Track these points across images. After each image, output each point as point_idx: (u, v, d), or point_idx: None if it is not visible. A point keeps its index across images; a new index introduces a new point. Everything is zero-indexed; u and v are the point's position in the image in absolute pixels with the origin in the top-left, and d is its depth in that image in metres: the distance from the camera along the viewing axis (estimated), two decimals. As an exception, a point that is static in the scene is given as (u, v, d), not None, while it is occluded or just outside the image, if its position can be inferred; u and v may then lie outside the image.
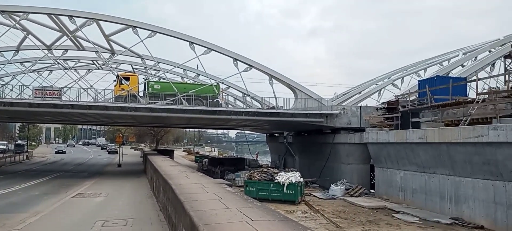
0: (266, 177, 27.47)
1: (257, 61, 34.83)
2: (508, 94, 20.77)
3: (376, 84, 43.29)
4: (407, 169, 25.86)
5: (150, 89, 35.75)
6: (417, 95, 28.64)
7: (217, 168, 42.32)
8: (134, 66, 47.28)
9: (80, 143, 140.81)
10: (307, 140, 42.78)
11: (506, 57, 34.81)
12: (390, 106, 30.06)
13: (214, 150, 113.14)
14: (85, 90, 32.79)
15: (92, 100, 31.66)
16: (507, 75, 28.27)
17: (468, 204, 20.70)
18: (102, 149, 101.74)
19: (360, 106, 35.31)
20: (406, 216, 21.79)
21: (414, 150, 24.63)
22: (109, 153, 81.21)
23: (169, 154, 53.97)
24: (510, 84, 23.56)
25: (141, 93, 35.71)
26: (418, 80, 32.95)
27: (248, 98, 39.52)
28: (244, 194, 25.46)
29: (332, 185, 30.57)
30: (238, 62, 33.75)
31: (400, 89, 39.60)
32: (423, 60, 45.57)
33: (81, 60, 46.73)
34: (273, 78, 34.29)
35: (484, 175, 19.75)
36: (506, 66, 34.35)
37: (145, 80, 39.08)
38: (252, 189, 26.69)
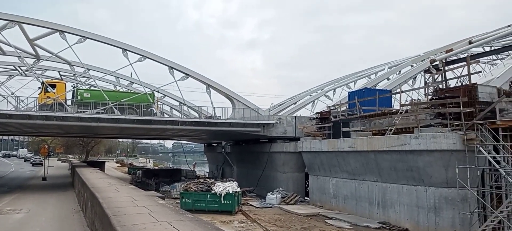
0: (202, 188, 27.06)
1: (194, 70, 34.41)
2: (427, 106, 22.54)
3: (310, 95, 44.89)
4: (339, 176, 26.96)
5: (79, 97, 33.74)
6: (348, 106, 30.08)
7: (151, 179, 40.91)
8: (62, 73, 44.36)
9: (0, 155, 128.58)
10: (245, 149, 42.99)
11: (425, 71, 37.86)
12: (323, 117, 31.24)
13: (149, 161, 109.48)
14: (5, 97, 30.02)
15: (13, 108, 29.09)
16: (426, 88, 30.80)
17: (394, 209, 22.04)
18: (25, 160, 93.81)
19: (295, 116, 36.30)
20: (338, 222, 22.64)
21: (345, 158, 25.76)
22: (33, 165, 75.14)
23: (100, 165, 51.19)
24: (429, 97, 25.62)
25: (69, 102, 33.55)
26: (348, 92, 34.68)
27: (185, 108, 38.83)
28: (180, 206, 24.86)
29: (268, 194, 30.93)
30: (174, 70, 33.09)
31: (332, 100, 41.41)
32: (353, 73, 48.17)
33: (1, 66, 42.84)
34: (210, 87, 34.07)
35: (408, 180, 21.19)
36: (426, 80, 37.37)
37: (74, 88, 36.80)
38: (188, 200, 26.12)
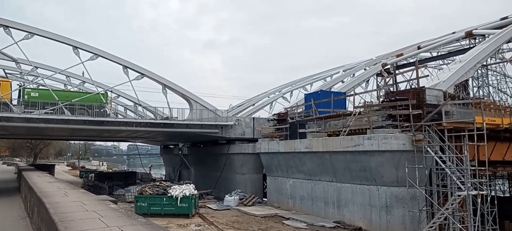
0: (158, 191, 26.44)
1: (150, 70, 33.58)
2: (379, 108, 23.40)
3: (268, 97, 45.26)
4: (295, 177, 27.35)
5: (26, 97, 31.83)
6: (304, 108, 30.61)
7: (105, 183, 39.42)
8: (7, 71, 41.67)
9: None
10: (203, 151, 42.53)
11: (378, 75, 39.42)
12: (280, 118, 31.57)
13: (103, 163, 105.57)
14: None
15: (-51, 108, 26.93)
16: (378, 91, 32.00)
17: (349, 208, 22.67)
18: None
19: (254, 118, 36.45)
20: (295, 222, 22.94)
21: (301, 158, 26.17)
22: (-27, 169, 69.99)
23: (49, 169, 48.57)
24: (381, 99, 26.62)
25: (15, 102, 31.55)
26: (305, 94, 35.34)
27: (140, 108, 37.81)
28: (134, 211, 24.12)
29: (226, 196, 30.79)
30: (129, 70, 32.10)
31: (289, 102, 42.00)
32: (309, 75, 49.15)
33: None
34: (167, 88, 33.38)
35: (361, 180, 21.88)
36: (378, 83, 38.90)
37: (20, 87, 34.70)
38: (143, 204, 25.42)
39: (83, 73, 41.54)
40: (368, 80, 40.47)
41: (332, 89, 36.88)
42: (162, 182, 36.30)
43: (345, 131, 23.19)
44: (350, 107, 29.99)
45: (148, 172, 58.52)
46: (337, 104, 28.28)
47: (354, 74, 42.52)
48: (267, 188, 31.88)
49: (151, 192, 26.26)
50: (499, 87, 42.62)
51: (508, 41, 30.84)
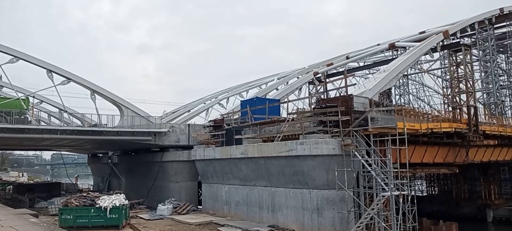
0: (86, 202, 24.93)
1: (77, 74, 31.67)
2: (311, 114, 24.27)
3: (204, 103, 44.90)
4: (231, 183, 27.32)
5: None
6: (240, 114, 30.80)
7: (25, 195, 36.31)
8: None
9: None
10: (134, 159, 40.89)
11: (309, 83, 40.98)
12: (217, 124, 31.43)
13: (23, 174, 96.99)
14: None
15: None
16: (310, 98, 33.23)
17: (282, 212, 23.12)
18: None
19: (189, 124, 35.87)
20: (230, 229, 22.88)
21: (237, 164, 26.24)
22: None
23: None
24: (313, 106, 27.65)
25: None
26: (241, 101, 35.62)
27: (66, 115, 35.46)
28: (59, 224, 22.48)
29: (159, 205, 29.85)
30: (54, 74, 30.00)
31: (225, 109, 42.00)
32: (245, 82, 49.67)
33: None
34: (95, 93, 31.68)
35: (294, 184, 22.45)
36: (310, 90, 40.43)
37: None
38: (69, 217, 23.76)
39: (0, 77, 37.98)
40: (301, 88, 41.81)
41: (267, 96, 37.61)
42: (90, 192, 34.20)
43: (279, 137, 23.70)
44: (284, 114, 30.72)
45: (74, 182, 55.01)
46: (272, 111, 28.86)
47: (287, 82, 43.73)
48: (202, 196, 31.47)
49: (78, 204, 24.67)
50: (418, 96, 46.59)
51: (426, 53, 33.64)
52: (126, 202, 25.52)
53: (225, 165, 27.43)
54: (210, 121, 34.04)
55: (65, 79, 30.69)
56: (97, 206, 24.00)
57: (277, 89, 42.01)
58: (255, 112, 28.34)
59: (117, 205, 24.09)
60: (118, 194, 26.65)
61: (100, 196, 26.00)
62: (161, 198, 31.90)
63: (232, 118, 30.54)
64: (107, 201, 24.29)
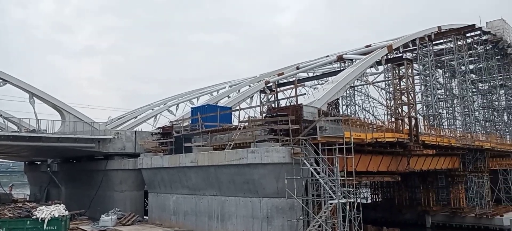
0: (20, 214, 23.24)
1: (15, 76, 29.51)
2: (262, 122, 24.32)
3: (153, 109, 43.67)
4: (180, 193, 26.61)
5: None
6: (190, 122, 30.21)
7: None
8: None
9: None
10: (76, 167, 38.69)
11: (261, 91, 41.26)
12: (165, 132, 30.57)
13: None
14: None
15: None
16: (261, 107, 33.42)
17: (232, 221, 22.83)
18: None
19: (136, 131, 34.65)
20: (178, 239, 22.19)
21: (186, 173, 25.62)
22: None
23: None
24: (264, 114, 27.77)
25: None
26: (192, 108, 34.96)
27: (1, 119, 32.84)
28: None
29: (102, 215, 28.41)
30: (-14, 75, 27.72)
31: (175, 115, 41.09)
32: (196, 89, 49.00)
33: None
34: (34, 96, 29.69)
35: (245, 193, 22.29)
36: (261, 99, 40.70)
37: None
38: (1, 229, 21.88)
39: None
40: (252, 96, 42.00)
41: (218, 104, 37.28)
42: (26, 203, 31.96)
43: (230, 145, 23.47)
44: (235, 122, 30.59)
45: (8, 192, 50.86)
46: (223, 119, 28.56)
47: (239, 90, 43.75)
48: (148, 206, 30.35)
49: (11, 215, 23.00)
50: (363, 106, 48.47)
51: (371, 66, 35.14)
52: (66, 213, 24.16)
53: (173, 174, 26.68)
54: (159, 127, 33.04)
55: (1, 81, 28.50)
56: (34, 217, 22.46)
57: (228, 97, 41.87)
58: (206, 120, 27.90)
59: (56, 216, 22.72)
60: (58, 205, 25.15)
61: (37, 207, 24.40)
62: (105, 209, 30.36)
63: (181, 125, 29.86)
64: (45, 212, 22.80)
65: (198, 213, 24.99)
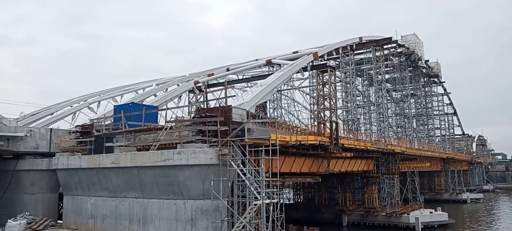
0: None
1: None
2: (190, 123, 23.95)
3: (71, 106, 40.86)
4: (98, 195, 25.16)
5: None
6: (113, 120, 28.75)
7: None
8: None
9: None
10: (-22, 167, 34.70)
11: (190, 91, 40.65)
12: (85, 130, 28.72)
13: None
14: None
15: None
16: (190, 107, 32.92)
17: (154, 224, 22.13)
18: None
19: (51, 129, 32.07)
20: (95, 245, 20.97)
21: (106, 175, 24.32)
22: None
23: None
24: (192, 115, 27.37)
25: None
26: (115, 106, 33.26)
27: None
28: None
29: (9, 221, 25.83)
30: None
31: (96, 113, 38.81)
32: (120, 86, 46.81)
33: None
34: None
35: (169, 195, 21.74)
36: (190, 99, 40.10)
37: None
38: None
39: None
40: (181, 96, 41.24)
41: (144, 102, 35.97)
42: None
43: (155, 145, 22.76)
44: (162, 122, 29.73)
45: None
46: (149, 118, 27.57)
47: (167, 89, 42.66)
48: (63, 209, 28.24)
49: None
50: (289, 110, 50.19)
51: (298, 72, 36.45)
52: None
53: (92, 175, 25.17)
54: (78, 126, 30.96)
55: None
56: None
57: (155, 95, 40.60)
58: (130, 119, 26.72)
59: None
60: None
61: None
62: (13, 213, 27.62)
63: (103, 123, 28.25)
64: None
65: (118, 217, 23.84)
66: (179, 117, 28.89)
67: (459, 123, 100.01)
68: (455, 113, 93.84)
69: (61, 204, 29.70)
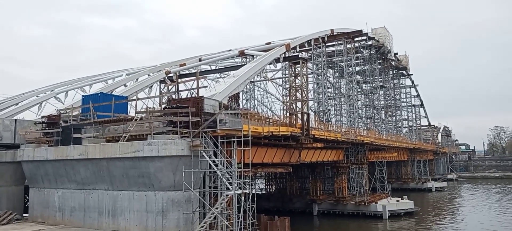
0: None
1: None
2: (161, 114, 23.68)
3: (37, 96, 39.43)
4: (66, 187, 24.59)
5: None
6: (81, 111, 28.01)
7: None
8: None
9: None
10: None
11: (161, 82, 40.07)
12: (51, 121, 27.88)
13: None
14: None
15: None
16: (161, 97, 32.43)
17: (125, 216, 21.88)
18: None
19: (16, 120, 30.97)
20: (63, 238, 20.54)
21: (74, 166, 23.77)
22: None
23: None
24: (163, 105, 27.04)
25: None
26: (83, 96, 32.34)
27: None
28: None
29: (-29, 215, 24.83)
30: None
31: (63, 104, 37.62)
32: (89, 76, 45.50)
33: None
34: None
35: (139, 187, 21.52)
36: (161, 89, 39.54)
37: None
38: None
39: None
40: (152, 86, 40.60)
41: (113, 93, 35.19)
42: None
43: (125, 137, 22.40)
44: (132, 112, 29.21)
45: None
46: (119, 109, 26.99)
47: (137, 79, 41.87)
48: (29, 202, 27.44)
49: None
50: (262, 101, 50.41)
51: (270, 63, 36.57)
52: None
53: (59, 167, 24.53)
54: (44, 116, 29.98)
55: None
56: None
57: (125, 85, 39.78)
58: (99, 109, 26.10)
59: None
60: None
61: None
62: (-26, 207, 26.60)
63: (70, 114, 27.47)
64: None
65: (87, 209, 23.41)
66: (149, 108, 28.45)
67: (426, 114, 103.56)
68: (422, 105, 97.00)
69: (27, 197, 28.84)
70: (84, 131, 25.34)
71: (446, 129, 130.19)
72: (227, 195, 20.79)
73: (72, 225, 23.56)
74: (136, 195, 21.57)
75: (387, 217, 42.30)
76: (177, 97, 28.32)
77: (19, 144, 28.41)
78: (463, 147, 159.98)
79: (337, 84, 59.29)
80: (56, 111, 30.44)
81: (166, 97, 31.11)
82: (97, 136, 24.42)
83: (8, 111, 35.46)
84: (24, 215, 27.92)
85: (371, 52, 62.67)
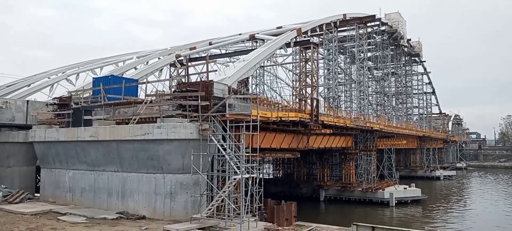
0: None
1: None
2: (170, 97, 23.75)
3: (49, 78, 39.86)
4: (77, 168, 24.96)
5: None
6: (92, 93, 28.26)
7: None
8: None
9: None
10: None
11: (171, 65, 40.12)
12: (63, 102, 28.13)
13: None
14: None
15: None
16: (171, 81, 32.55)
17: (133, 197, 22.17)
18: None
19: (28, 101, 31.38)
20: (73, 217, 20.91)
21: (85, 148, 24.07)
22: None
23: None
24: (173, 89, 27.13)
25: None
26: (94, 78, 32.60)
27: None
28: None
29: (-15, 193, 25.41)
30: None
31: (74, 86, 38.00)
32: (100, 58, 45.80)
33: None
34: None
35: (148, 169, 21.74)
36: (171, 73, 39.62)
37: None
38: None
39: None
40: (162, 70, 40.69)
41: (124, 75, 35.34)
42: None
43: (135, 119, 22.56)
44: (142, 95, 29.40)
45: None
46: (129, 91, 27.18)
47: (147, 62, 41.97)
48: (41, 182, 27.97)
49: None
50: (272, 87, 50.21)
51: (281, 48, 36.30)
52: None
53: (70, 148, 24.87)
54: (55, 98, 30.29)
55: None
56: None
57: (136, 68, 39.89)
58: (110, 92, 26.31)
59: None
60: None
61: None
62: (-13, 185, 27.20)
63: (82, 96, 27.75)
64: None
65: (97, 190, 23.77)
66: (159, 91, 28.64)
67: (437, 102, 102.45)
68: (433, 92, 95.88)
69: (38, 177, 29.39)
70: (95, 113, 25.58)
71: (457, 117, 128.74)
72: (234, 179, 20.88)
73: (82, 205, 23.97)
74: (145, 177, 21.81)
75: (394, 204, 42.29)
76: (186, 81, 28.38)
77: (31, 124, 28.81)
78: (473, 136, 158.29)
79: (348, 70, 58.70)
80: (67, 93, 30.70)
81: (175, 80, 31.31)
82: (107, 118, 24.64)
83: (20, 92, 35.91)
84: (36, 194, 28.48)
85: (384, 38, 61.77)
